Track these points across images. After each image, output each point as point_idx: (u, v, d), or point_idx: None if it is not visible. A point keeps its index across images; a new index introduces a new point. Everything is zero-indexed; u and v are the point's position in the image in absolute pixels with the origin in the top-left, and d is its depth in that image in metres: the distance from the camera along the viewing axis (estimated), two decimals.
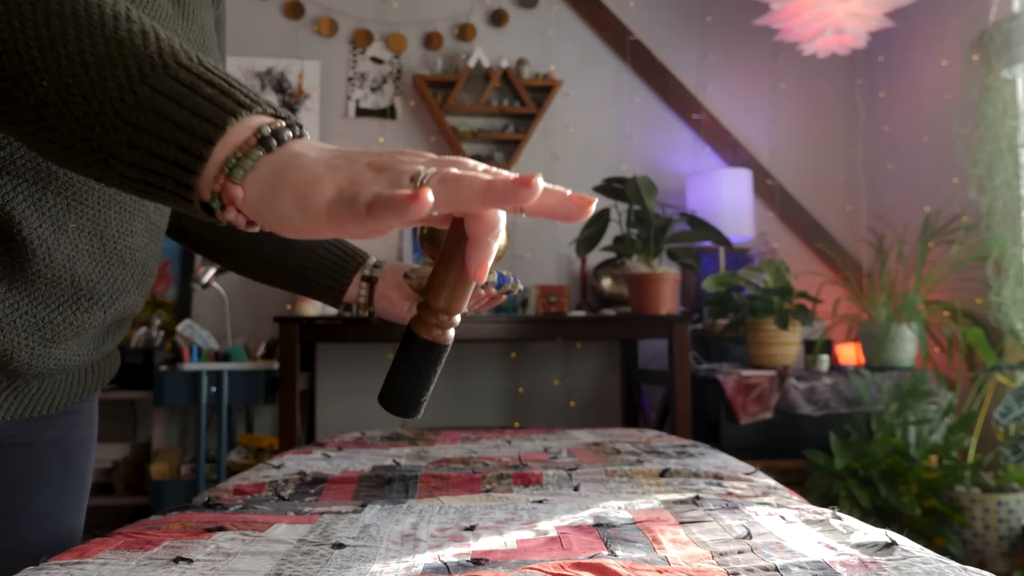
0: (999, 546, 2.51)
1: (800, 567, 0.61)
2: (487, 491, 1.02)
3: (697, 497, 0.91)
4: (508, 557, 0.68)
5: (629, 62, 3.64)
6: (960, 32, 3.06)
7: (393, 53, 3.50)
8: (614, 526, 0.78)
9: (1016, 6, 2.90)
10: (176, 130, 0.47)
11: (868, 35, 2.96)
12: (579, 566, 0.61)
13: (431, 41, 3.51)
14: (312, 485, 1.07)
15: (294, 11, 3.44)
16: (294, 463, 1.27)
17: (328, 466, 1.24)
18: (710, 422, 2.93)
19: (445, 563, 0.66)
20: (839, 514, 0.79)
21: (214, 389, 2.92)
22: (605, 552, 0.69)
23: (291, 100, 3.40)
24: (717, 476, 1.10)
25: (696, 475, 1.10)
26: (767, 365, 2.92)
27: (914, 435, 2.70)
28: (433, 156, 0.49)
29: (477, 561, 0.66)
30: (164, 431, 3.12)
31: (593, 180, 3.27)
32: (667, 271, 2.90)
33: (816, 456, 2.67)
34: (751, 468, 1.19)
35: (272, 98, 3.39)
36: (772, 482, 1.08)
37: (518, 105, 3.48)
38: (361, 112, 3.48)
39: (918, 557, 0.63)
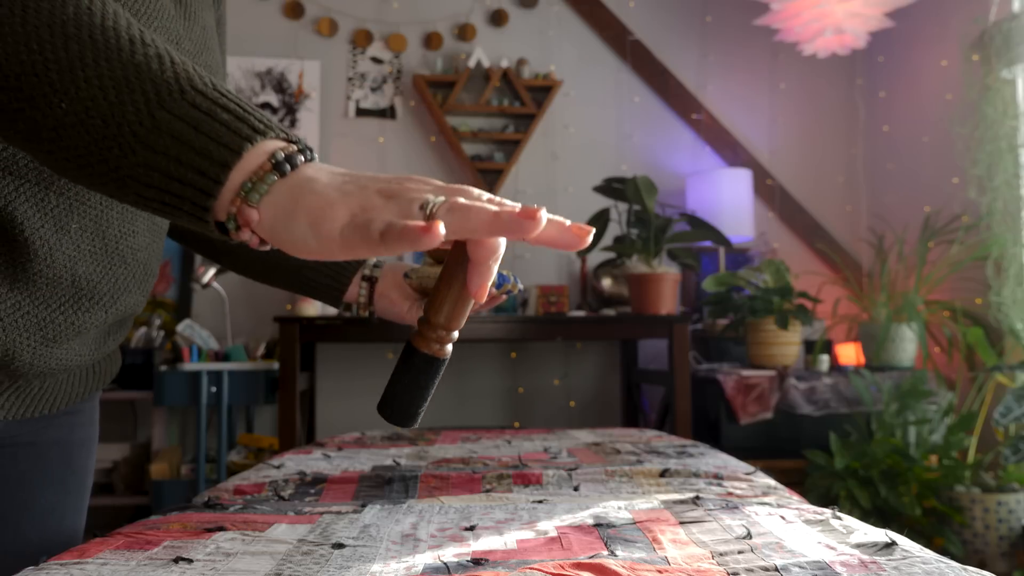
0: (999, 546, 2.51)
1: (800, 567, 0.61)
2: (487, 491, 1.02)
3: (697, 497, 0.91)
4: (508, 557, 0.68)
5: (629, 62, 3.64)
6: (960, 32, 3.06)
7: (393, 53, 3.50)
8: (614, 526, 0.78)
9: (1016, 6, 2.90)
10: (194, 154, 0.49)
11: (868, 35, 2.96)
12: (579, 566, 0.61)
13: (431, 41, 3.51)
14: (312, 485, 1.07)
15: (294, 11, 3.44)
16: (294, 463, 1.27)
17: (328, 466, 1.24)
18: (710, 422, 2.93)
19: (445, 563, 0.66)
20: (839, 514, 0.79)
21: (214, 389, 2.92)
22: (605, 552, 0.69)
23: (291, 100, 3.40)
24: (717, 476, 1.10)
25: (696, 475, 1.10)
26: (767, 365, 2.92)
27: (914, 435, 2.70)
28: (440, 184, 0.51)
29: (477, 561, 0.66)
30: (164, 431, 3.12)
31: (593, 180, 3.27)
32: (667, 271, 2.90)
33: (816, 456, 2.67)
34: (751, 468, 1.19)
35: (272, 98, 3.39)
36: (772, 482, 1.08)
37: (518, 105, 3.48)
38: (361, 112, 3.48)
39: (918, 557, 0.63)
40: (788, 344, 2.92)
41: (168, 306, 3.29)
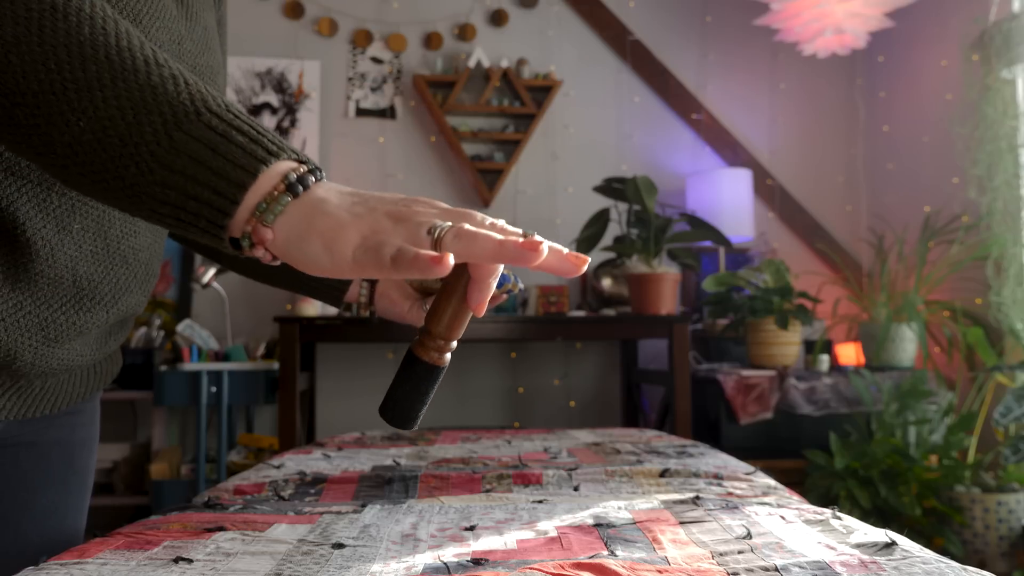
0: (999, 546, 2.51)
1: (800, 567, 0.61)
2: (487, 491, 1.02)
3: (697, 497, 0.91)
4: (508, 557, 0.68)
5: (629, 62, 3.64)
6: (960, 32, 3.06)
7: (393, 53, 3.50)
8: (614, 526, 0.78)
9: (1016, 6, 2.90)
10: (211, 175, 0.52)
11: (868, 35, 2.96)
12: (579, 566, 0.61)
13: (431, 41, 3.51)
14: (312, 485, 1.07)
15: (294, 11, 3.44)
16: (294, 463, 1.27)
17: (328, 466, 1.24)
18: (710, 422, 2.93)
19: (445, 563, 0.66)
20: (839, 514, 0.80)
21: (214, 389, 2.92)
22: (605, 552, 0.69)
23: (291, 100, 3.40)
24: (717, 476, 1.10)
25: (696, 475, 1.10)
26: (767, 365, 2.92)
27: (914, 435, 2.70)
28: (444, 206, 0.54)
29: (477, 561, 0.66)
30: (164, 431, 3.12)
31: (593, 180, 3.27)
32: (667, 271, 2.90)
33: (816, 456, 2.67)
34: (751, 468, 1.19)
35: (272, 98, 3.39)
36: (772, 482, 1.08)
37: (518, 105, 3.48)
38: (361, 112, 3.48)
39: (918, 557, 0.63)
40: (788, 344, 2.92)
41: (168, 306, 3.29)
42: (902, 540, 0.68)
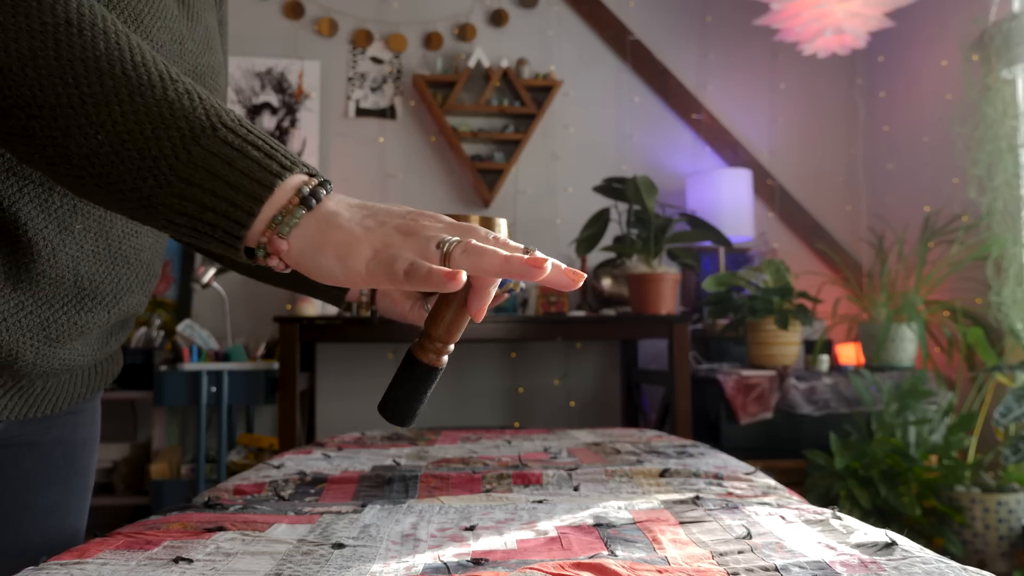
0: (999, 546, 2.51)
1: (800, 567, 0.61)
2: (487, 491, 1.02)
3: (697, 497, 0.91)
4: (508, 557, 0.68)
5: (629, 62, 3.64)
6: (960, 32, 3.06)
7: (393, 53, 3.50)
8: (614, 526, 0.79)
9: (1016, 6, 2.90)
10: (228, 188, 0.54)
11: (868, 35, 2.96)
12: (579, 566, 0.61)
13: (431, 41, 3.51)
14: (312, 485, 1.07)
15: (294, 11, 3.44)
16: (294, 463, 1.27)
17: (328, 466, 1.24)
18: (710, 422, 2.93)
19: (445, 563, 0.66)
20: (839, 514, 0.80)
21: (214, 389, 2.92)
22: (605, 552, 0.69)
23: (291, 100, 3.40)
24: (717, 476, 1.10)
25: (696, 475, 1.10)
26: (767, 365, 2.92)
27: (914, 435, 2.70)
28: (449, 220, 0.58)
29: (477, 561, 0.66)
30: (164, 431, 3.12)
31: (593, 180, 3.27)
32: (667, 271, 2.90)
33: (816, 456, 2.67)
34: (751, 468, 1.19)
35: (272, 98, 3.39)
36: (772, 482, 1.08)
37: (518, 105, 3.48)
38: (361, 112, 3.48)
39: (918, 557, 0.63)
40: (788, 344, 2.92)
41: (168, 306, 3.29)
42: (902, 540, 0.68)
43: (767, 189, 3.67)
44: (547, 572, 0.60)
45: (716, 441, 2.84)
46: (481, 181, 3.40)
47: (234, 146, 0.54)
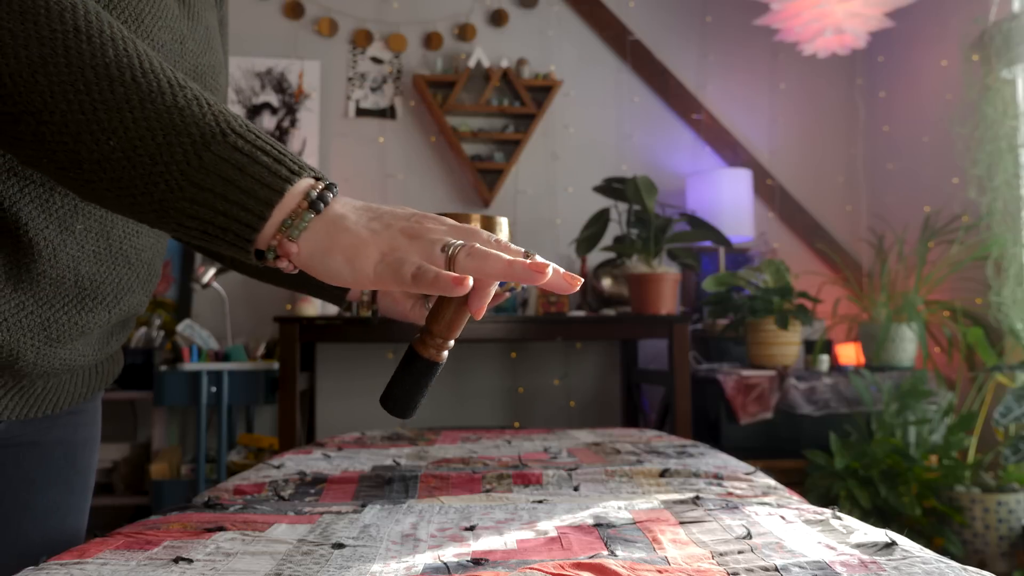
0: (999, 546, 2.51)
1: (800, 567, 0.61)
2: (487, 491, 1.02)
3: (697, 497, 0.91)
4: (508, 557, 0.68)
5: (629, 62, 3.64)
6: (960, 32, 3.06)
7: (393, 53, 3.50)
8: (614, 526, 0.79)
9: (1016, 6, 2.90)
10: (240, 193, 0.56)
11: (868, 35, 2.96)
12: (579, 566, 0.61)
13: (431, 41, 3.51)
14: (312, 485, 1.07)
15: (294, 11, 3.44)
16: (294, 463, 1.27)
17: (328, 466, 1.24)
18: (710, 422, 2.93)
19: (445, 563, 0.66)
20: (839, 514, 0.80)
21: (214, 389, 2.92)
22: (605, 552, 0.69)
23: (291, 100, 3.40)
24: (717, 476, 1.10)
25: (696, 475, 1.10)
26: (767, 365, 2.92)
27: (914, 435, 2.70)
28: (451, 223, 0.60)
29: (477, 561, 0.66)
30: (164, 431, 3.12)
31: (593, 180, 3.27)
32: (667, 271, 2.90)
33: (816, 456, 2.67)
34: (751, 468, 1.19)
35: (272, 98, 3.39)
36: (772, 482, 1.08)
37: (518, 105, 3.48)
38: (361, 112, 3.48)
39: (918, 557, 0.63)
40: (788, 344, 2.92)
41: (168, 306, 3.29)
42: (902, 540, 0.68)
43: (767, 189, 3.67)
44: (547, 572, 0.60)
45: (716, 441, 2.84)
46: (481, 181, 3.40)
47: (244, 152, 0.56)
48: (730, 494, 0.98)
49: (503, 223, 0.93)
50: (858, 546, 0.67)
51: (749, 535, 0.72)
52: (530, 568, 0.61)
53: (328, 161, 3.44)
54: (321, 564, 0.66)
